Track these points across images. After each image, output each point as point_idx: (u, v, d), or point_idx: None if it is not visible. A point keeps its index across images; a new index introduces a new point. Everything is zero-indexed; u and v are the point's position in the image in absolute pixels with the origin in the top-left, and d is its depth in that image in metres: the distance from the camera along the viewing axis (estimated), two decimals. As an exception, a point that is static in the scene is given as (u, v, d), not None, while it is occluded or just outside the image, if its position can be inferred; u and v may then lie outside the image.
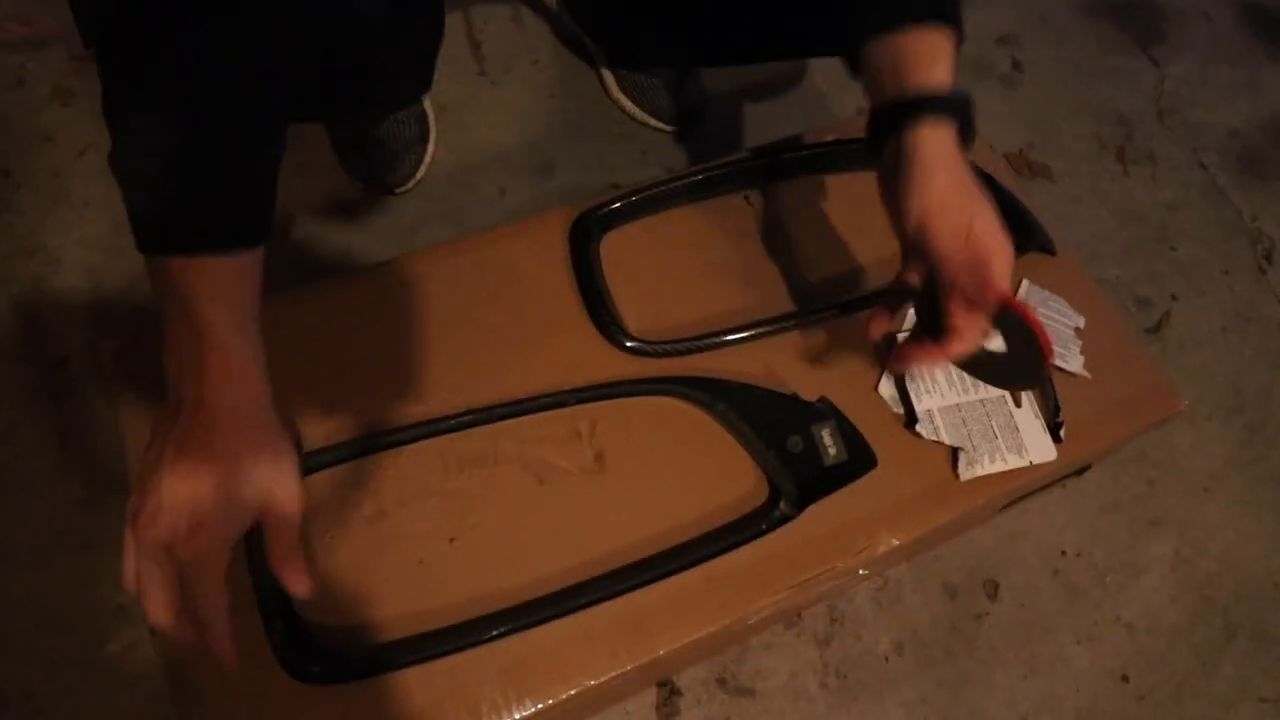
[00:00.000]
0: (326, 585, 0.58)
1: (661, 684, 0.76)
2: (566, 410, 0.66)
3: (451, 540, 0.61)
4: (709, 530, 0.63)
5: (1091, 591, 0.86)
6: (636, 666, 0.59)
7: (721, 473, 0.66)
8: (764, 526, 0.63)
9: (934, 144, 0.53)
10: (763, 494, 0.65)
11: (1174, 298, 1.06)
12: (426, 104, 0.99)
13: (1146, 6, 1.32)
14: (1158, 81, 1.25)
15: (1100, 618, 0.85)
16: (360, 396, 0.64)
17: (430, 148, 0.99)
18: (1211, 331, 1.04)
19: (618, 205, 0.74)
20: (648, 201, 0.75)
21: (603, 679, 0.58)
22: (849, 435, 0.65)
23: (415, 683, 0.56)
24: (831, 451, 0.65)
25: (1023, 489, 0.72)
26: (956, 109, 0.53)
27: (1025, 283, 0.76)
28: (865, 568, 0.66)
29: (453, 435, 0.64)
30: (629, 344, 0.68)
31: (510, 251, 0.73)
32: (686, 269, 0.74)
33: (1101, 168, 1.15)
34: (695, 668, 0.77)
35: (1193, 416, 0.98)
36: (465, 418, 0.64)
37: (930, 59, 0.53)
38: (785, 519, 0.63)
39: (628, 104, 1.04)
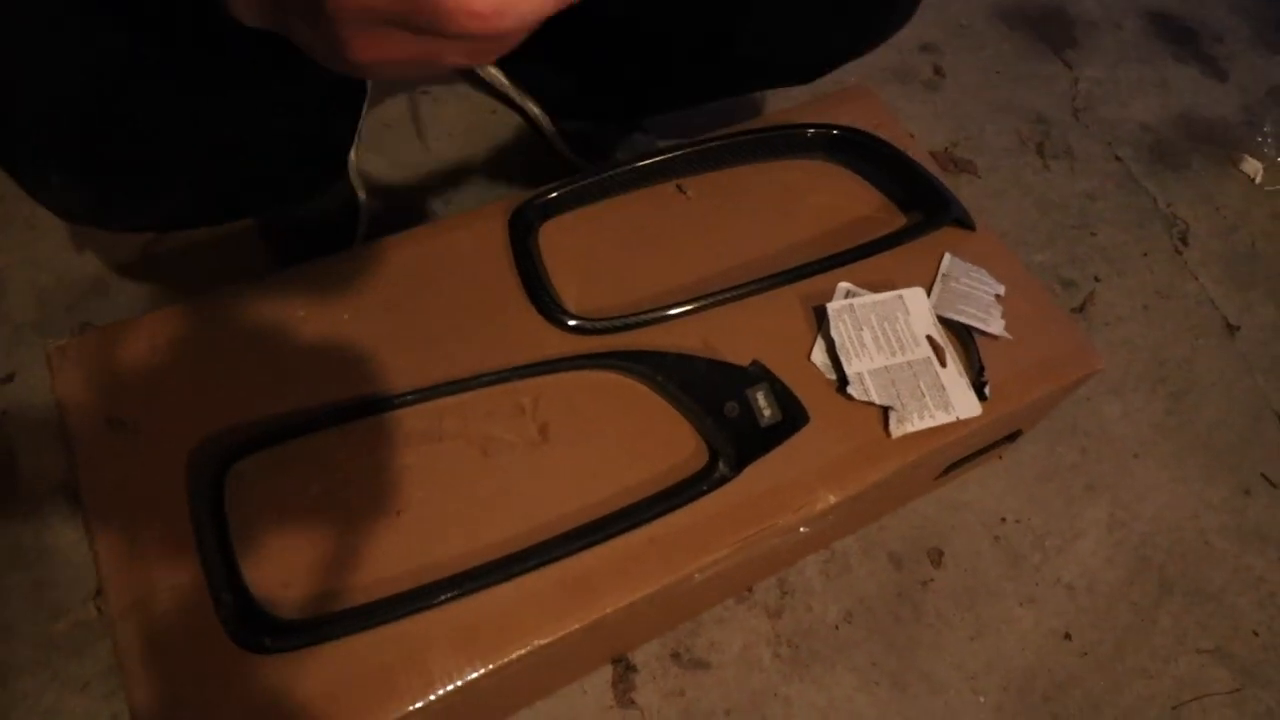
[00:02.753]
0: (274, 561, 0.59)
1: (616, 661, 0.77)
2: (510, 386, 0.68)
3: (399, 513, 0.62)
4: (651, 494, 0.65)
5: (1032, 555, 0.89)
6: (584, 626, 0.60)
7: (662, 440, 0.68)
8: (704, 488, 0.65)
9: None
10: (703, 458, 0.67)
11: (1096, 279, 1.11)
12: (355, 182, 0.98)
13: (1059, 16, 1.40)
14: (1072, 83, 1.32)
15: (1041, 580, 0.88)
16: (303, 380, 0.66)
17: (362, 224, 0.98)
18: (1134, 309, 1.09)
19: (556, 195, 0.77)
20: (585, 191, 0.78)
21: (551, 639, 0.59)
22: (782, 395, 0.68)
23: (365, 649, 0.57)
24: (766, 413, 0.67)
25: (953, 448, 0.75)
26: None
27: (947, 255, 0.80)
28: (805, 525, 0.68)
29: (398, 413, 0.65)
30: (570, 322, 0.71)
31: (452, 242, 0.75)
32: (624, 253, 0.77)
33: (1023, 162, 1.21)
34: (649, 644, 0.78)
35: (1120, 388, 1.02)
36: (409, 396, 0.66)
37: None
38: (724, 479, 0.66)
39: (573, 157, 1.06)
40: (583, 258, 0.76)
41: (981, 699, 0.81)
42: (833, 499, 0.68)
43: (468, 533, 0.62)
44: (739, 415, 0.67)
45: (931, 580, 0.86)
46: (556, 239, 0.76)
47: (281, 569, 0.59)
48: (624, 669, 0.77)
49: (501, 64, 1.04)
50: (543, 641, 0.59)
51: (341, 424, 0.64)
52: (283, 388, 0.65)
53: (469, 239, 0.75)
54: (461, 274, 0.74)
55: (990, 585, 0.87)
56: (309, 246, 0.91)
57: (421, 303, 0.71)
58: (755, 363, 0.69)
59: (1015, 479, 0.93)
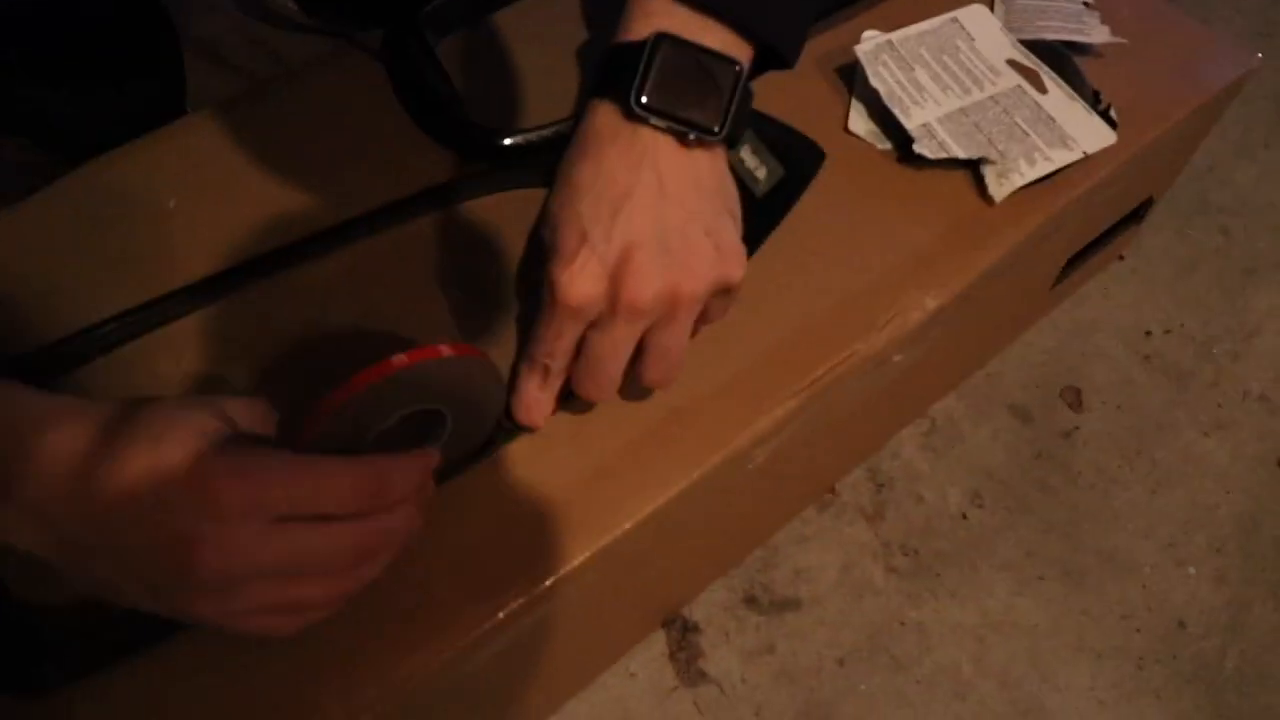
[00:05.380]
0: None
1: (669, 623, 0.54)
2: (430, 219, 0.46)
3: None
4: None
5: (1201, 370, 0.66)
6: (589, 557, 0.37)
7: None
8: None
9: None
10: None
11: None
12: None
13: None
14: None
15: (1224, 398, 0.65)
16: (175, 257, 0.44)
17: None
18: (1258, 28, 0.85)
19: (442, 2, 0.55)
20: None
21: (542, 586, 0.36)
22: (774, 138, 0.45)
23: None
24: (760, 174, 0.44)
25: (1082, 210, 0.52)
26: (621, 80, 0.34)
27: (1002, -30, 0.57)
28: (900, 352, 0.45)
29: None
30: (505, 142, 0.49)
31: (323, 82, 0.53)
32: (536, 59, 0.54)
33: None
34: (709, 590, 0.55)
35: (1246, 145, 0.78)
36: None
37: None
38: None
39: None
40: (484, 75, 0.54)
41: (1191, 570, 0.57)
42: (931, 304, 0.45)
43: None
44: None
45: (1076, 429, 0.62)
46: (456, 56, 0.54)
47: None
48: (680, 630, 0.54)
49: None
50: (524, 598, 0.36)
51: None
52: (156, 262, 0.43)
53: (340, 76, 0.53)
54: (342, 118, 0.51)
55: (1156, 419, 0.63)
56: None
57: (303, 160, 0.49)
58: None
59: (1148, 281, 0.70)
